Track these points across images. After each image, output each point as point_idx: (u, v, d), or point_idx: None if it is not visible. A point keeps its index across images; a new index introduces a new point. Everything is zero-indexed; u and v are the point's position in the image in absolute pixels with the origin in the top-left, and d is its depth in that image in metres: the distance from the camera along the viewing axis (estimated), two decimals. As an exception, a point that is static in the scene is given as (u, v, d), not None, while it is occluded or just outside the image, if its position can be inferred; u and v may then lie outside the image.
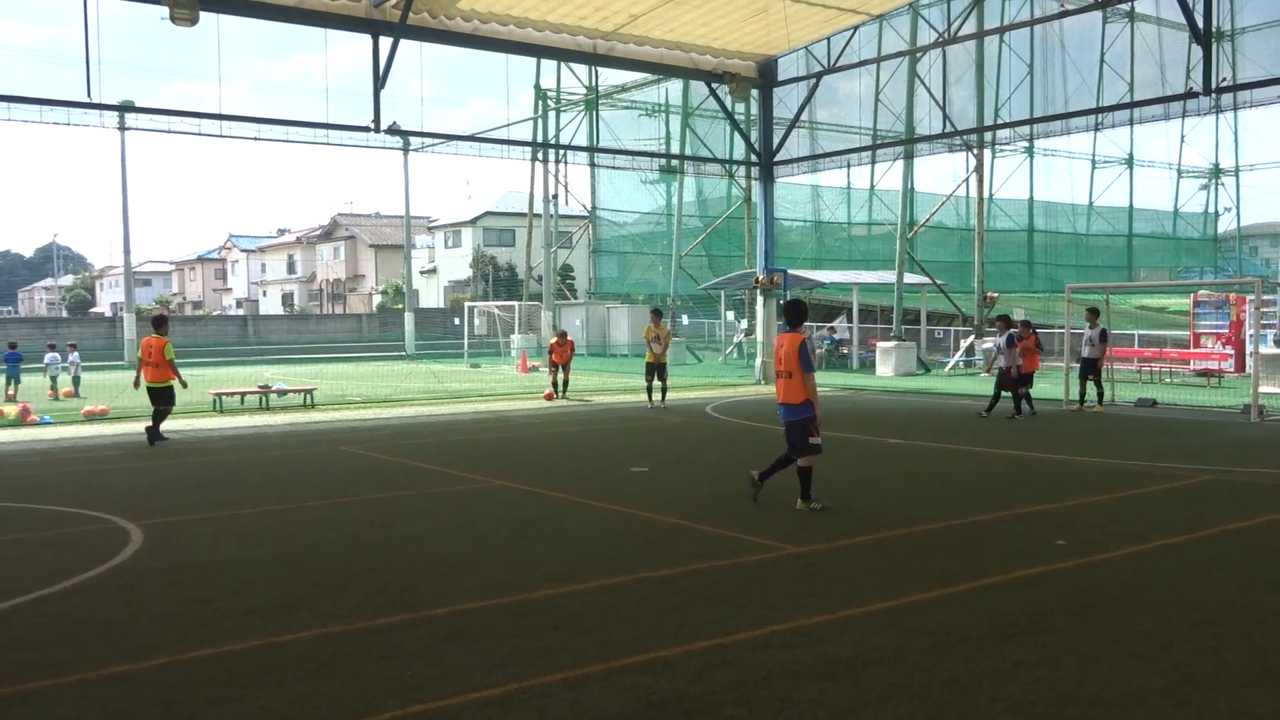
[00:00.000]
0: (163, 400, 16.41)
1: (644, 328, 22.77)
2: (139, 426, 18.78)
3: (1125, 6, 37.34)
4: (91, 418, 20.17)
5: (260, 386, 23.69)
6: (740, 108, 31.27)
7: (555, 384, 24.21)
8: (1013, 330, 19.15)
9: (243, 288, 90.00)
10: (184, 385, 17.05)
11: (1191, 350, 29.13)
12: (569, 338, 25.42)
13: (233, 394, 22.58)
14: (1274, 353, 23.15)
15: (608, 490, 11.44)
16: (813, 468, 10.09)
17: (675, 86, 43.04)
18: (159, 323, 17.17)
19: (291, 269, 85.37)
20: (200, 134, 23.39)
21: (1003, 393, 18.99)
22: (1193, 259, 55.90)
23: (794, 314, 10.47)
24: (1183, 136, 52.60)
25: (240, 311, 79.67)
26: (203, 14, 19.20)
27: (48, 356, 26.58)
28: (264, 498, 11.21)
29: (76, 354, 27.53)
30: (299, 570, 7.95)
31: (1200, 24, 19.44)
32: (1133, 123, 33.30)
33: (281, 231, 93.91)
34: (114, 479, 12.77)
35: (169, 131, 23.48)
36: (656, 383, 21.45)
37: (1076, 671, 5.55)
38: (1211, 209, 55.83)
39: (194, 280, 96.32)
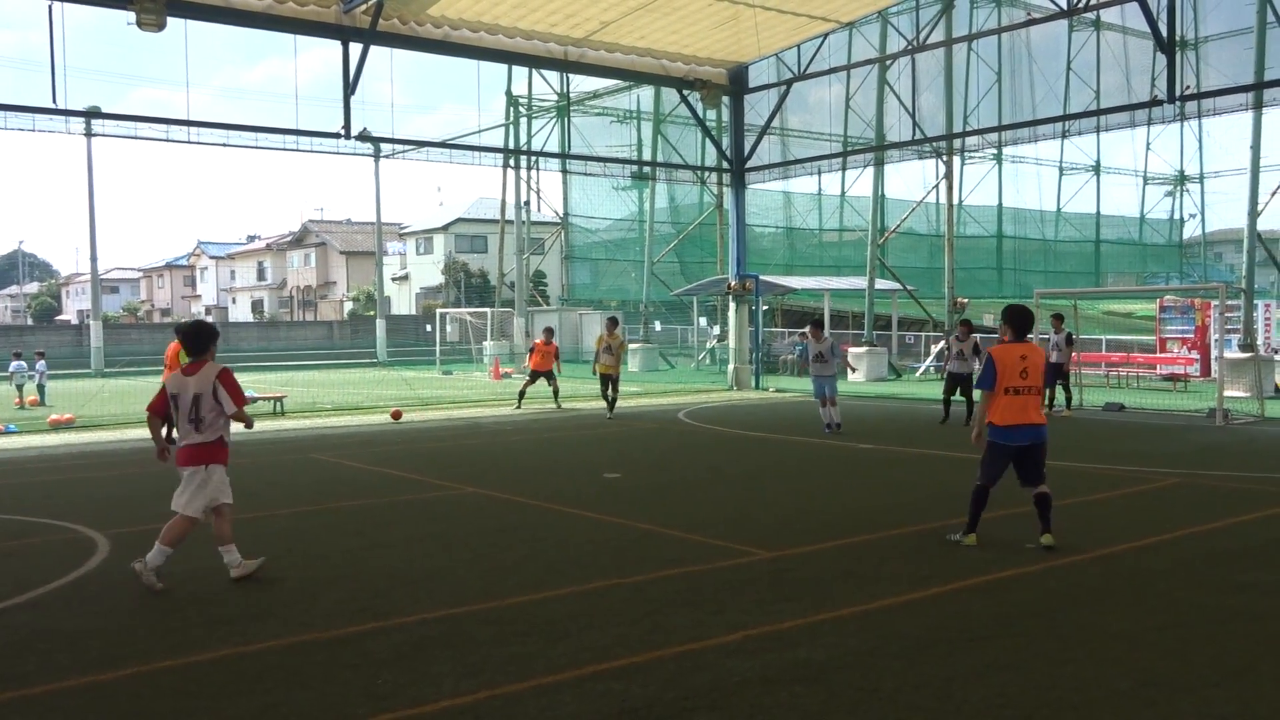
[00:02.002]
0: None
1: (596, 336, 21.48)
2: (106, 436, 18.58)
3: (1091, 16, 37.78)
4: (57, 427, 19.93)
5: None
6: (711, 114, 31.35)
7: (524, 395, 22.66)
8: (976, 337, 19.25)
9: (212, 295, 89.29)
10: None
11: (1158, 355, 29.46)
12: (553, 340, 22.88)
13: (201, 402, 22.34)
14: (1238, 357, 23.44)
15: (580, 497, 11.42)
16: None
17: (647, 93, 43.09)
18: (178, 330, 17.31)
19: (262, 276, 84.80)
20: (168, 140, 23.26)
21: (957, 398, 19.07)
22: (1159, 265, 56.58)
23: (1027, 321, 8.92)
24: (1148, 144, 53.32)
25: (209, 318, 78.99)
26: (170, 19, 19.03)
27: (13, 365, 26.24)
28: (233, 506, 11.09)
29: (43, 362, 27.20)
30: (268, 579, 7.88)
31: (1164, 33, 19.70)
32: (1099, 130, 33.77)
33: (251, 238, 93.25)
34: (81, 488, 12.63)
35: (136, 137, 23.33)
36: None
37: (1046, 674, 5.59)
38: (1177, 215, 56.60)
39: (162, 287, 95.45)
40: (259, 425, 19.52)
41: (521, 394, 22.86)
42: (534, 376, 22.58)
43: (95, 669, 5.85)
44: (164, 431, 8.17)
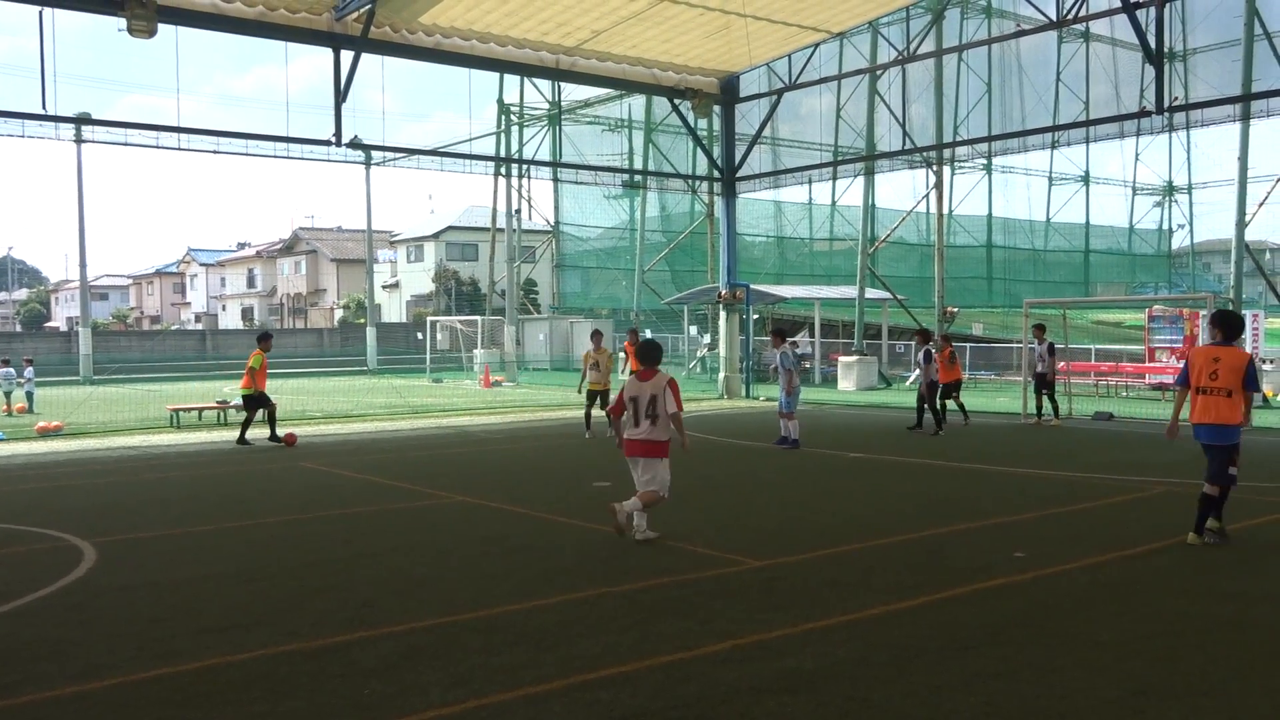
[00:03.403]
0: (247, 406, 18.09)
1: (584, 352, 20.31)
2: (93, 443, 18.54)
3: (1080, 27, 37.99)
4: (45, 434, 19.83)
5: (219, 402, 23.40)
6: (703, 123, 31.46)
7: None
8: (929, 346, 19.30)
9: (201, 302, 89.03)
10: (252, 392, 18.00)
11: (1147, 364, 29.56)
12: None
13: (190, 409, 22.30)
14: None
15: (570, 505, 11.41)
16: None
17: (638, 102, 43.21)
18: (260, 338, 19.07)
19: (251, 283, 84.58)
20: (158, 146, 23.19)
21: (946, 404, 19.16)
22: (1147, 275, 56.87)
23: (1233, 325, 9.04)
24: (1137, 155, 53.66)
25: (199, 326, 78.80)
26: (161, 25, 19.03)
27: (1, 372, 26.11)
28: (221, 515, 11.07)
29: (31, 369, 27.09)
30: (256, 588, 7.85)
31: (1153, 45, 19.81)
32: (1088, 140, 33.96)
33: (241, 245, 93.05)
34: (68, 496, 12.56)
35: (126, 144, 23.26)
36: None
37: (1034, 683, 5.60)
38: (1165, 226, 56.93)
39: (152, 294, 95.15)
40: (248, 433, 19.53)
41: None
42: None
43: (80, 679, 5.81)
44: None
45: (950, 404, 19.41)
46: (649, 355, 9.71)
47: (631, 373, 9.83)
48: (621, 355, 20.62)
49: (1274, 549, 8.98)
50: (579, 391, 19.59)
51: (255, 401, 18.07)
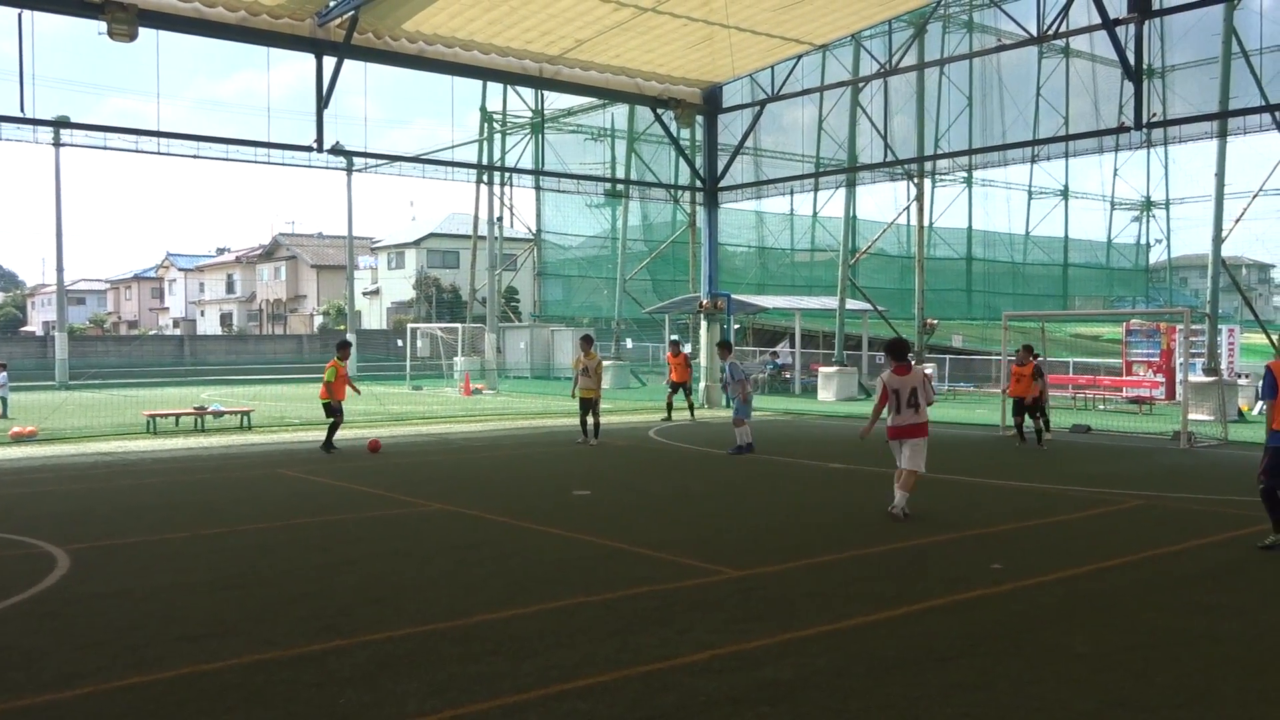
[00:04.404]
0: (327, 414, 17.97)
1: (573, 359, 20.12)
2: (68, 449, 18.40)
3: (1060, 43, 38.30)
4: (19, 439, 19.64)
5: (196, 408, 23.24)
6: (685, 133, 31.50)
7: (671, 406, 24.27)
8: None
9: (180, 307, 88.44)
10: (331, 401, 18.01)
11: (1124, 378, 29.77)
12: (681, 350, 25.01)
13: (167, 415, 22.13)
14: (1203, 381, 23.74)
15: (549, 514, 11.38)
16: None
17: (621, 111, 43.24)
18: (338, 347, 19.26)
19: (231, 289, 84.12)
20: (138, 151, 23.03)
21: (1025, 419, 18.80)
22: (1125, 289, 57.29)
23: None
24: (1116, 170, 54.08)
25: (177, 331, 78.23)
26: (142, 29, 18.92)
27: (-25, 376, 25.87)
28: (198, 522, 10.98)
29: (5, 374, 26.84)
30: (232, 596, 7.79)
31: (1132, 61, 19.99)
32: (1068, 155, 34.18)
33: (221, 251, 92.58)
34: (42, 502, 12.44)
35: (105, 148, 23.11)
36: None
37: (1011, 694, 5.61)
38: (1143, 240, 57.38)
39: (130, 299, 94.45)
40: (225, 440, 19.41)
41: (668, 405, 24.59)
42: (674, 388, 24.16)
43: (52, 688, 5.74)
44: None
45: (1028, 421, 18.79)
46: (900, 352, 11.26)
47: (893, 374, 11.11)
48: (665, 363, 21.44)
49: (1247, 563, 9.04)
50: (572, 395, 19.45)
51: (333, 410, 17.97)
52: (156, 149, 22.88)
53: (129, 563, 8.96)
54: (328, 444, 17.82)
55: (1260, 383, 10.04)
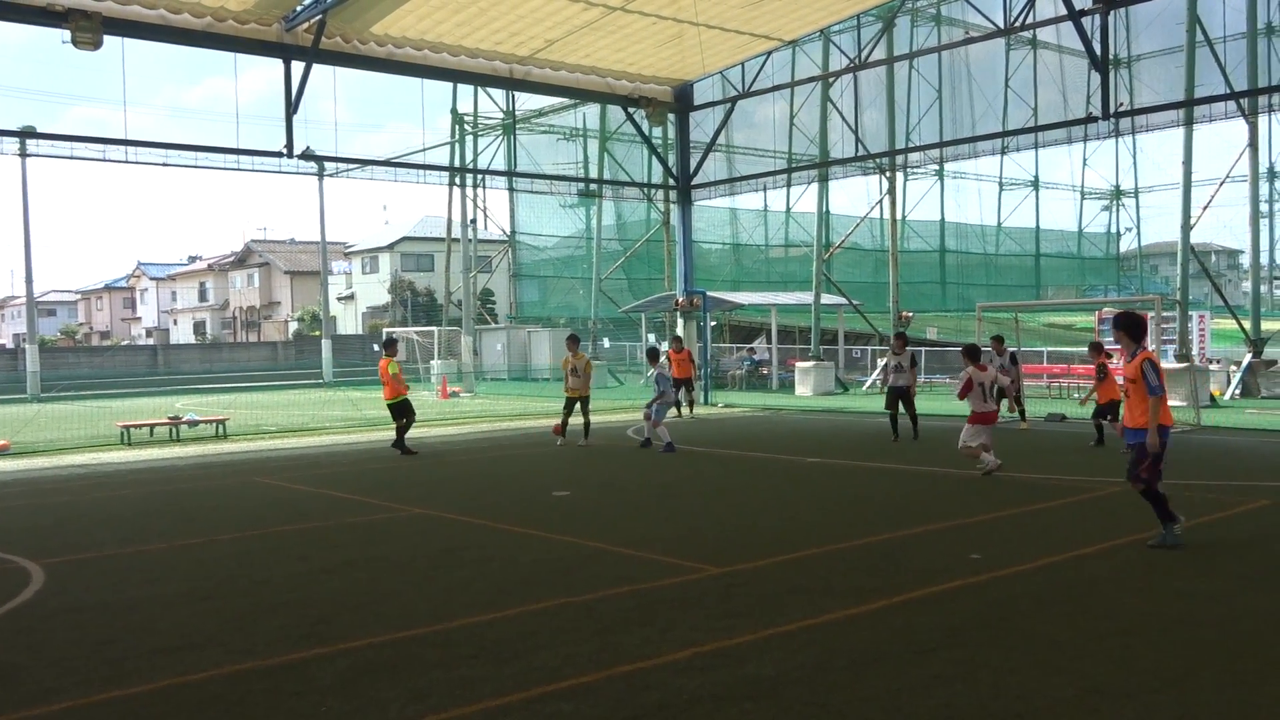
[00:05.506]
0: (397, 414, 17.68)
1: (562, 358, 19.81)
2: (41, 462, 18.23)
3: (1028, 35, 38.56)
4: (-9, 453, 19.42)
5: (170, 418, 23.04)
6: (657, 132, 31.53)
7: (679, 405, 23.89)
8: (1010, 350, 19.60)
9: (152, 317, 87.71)
10: (398, 399, 17.69)
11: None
12: (684, 348, 24.59)
13: (141, 426, 21.94)
14: (1174, 367, 23.95)
15: (529, 516, 11.35)
16: None
17: (593, 111, 43.25)
18: (385, 345, 19.09)
19: (204, 297, 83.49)
20: (105, 160, 22.85)
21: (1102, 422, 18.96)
22: (1097, 277, 57.80)
23: None
24: (1085, 160, 54.61)
25: (150, 341, 77.54)
26: (107, 37, 18.76)
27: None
28: (174, 533, 10.89)
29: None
30: (209, 607, 7.73)
31: (1098, 51, 20.16)
32: (1037, 146, 34.50)
33: (193, 259, 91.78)
34: (15, 516, 12.30)
35: (72, 157, 22.91)
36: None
37: (991, 684, 5.64)
38: (1114, 229, 57.91)
39: (101, 310, 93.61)
40: (200, 449, 19.26)
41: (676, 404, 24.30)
42: (677, 385, 23.66)
43: (29, 703, 5.68)
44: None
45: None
46: (975, 354, 13.50)
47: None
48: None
49: (1223, 548, 9.13)
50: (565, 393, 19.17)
51: (401, 409, 17.66)
52: (124, 158, 22.69)
53: (105, 575, 8.88)
54: (401, 444, 17.52)
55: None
